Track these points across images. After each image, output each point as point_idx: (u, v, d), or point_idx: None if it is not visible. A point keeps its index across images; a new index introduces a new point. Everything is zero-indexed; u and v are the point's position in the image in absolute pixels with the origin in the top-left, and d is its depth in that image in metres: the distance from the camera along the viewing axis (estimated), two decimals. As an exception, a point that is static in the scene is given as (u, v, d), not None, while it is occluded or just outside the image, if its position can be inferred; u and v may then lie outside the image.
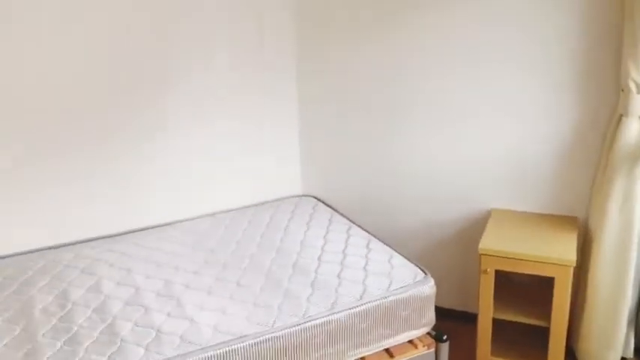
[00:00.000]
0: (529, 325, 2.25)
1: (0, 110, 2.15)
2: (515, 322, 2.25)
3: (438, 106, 2.46)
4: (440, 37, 2.38)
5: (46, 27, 2.15)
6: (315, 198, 2.81)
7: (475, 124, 2.41)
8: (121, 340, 1.74)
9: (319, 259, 2.19)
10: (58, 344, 1.73)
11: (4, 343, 1.74)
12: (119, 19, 2.27)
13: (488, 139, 2.41)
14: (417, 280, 2.02)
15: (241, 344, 1.72)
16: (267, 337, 1.75)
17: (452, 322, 2.56)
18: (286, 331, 1.78)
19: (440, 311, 2.17)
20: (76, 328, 1.80)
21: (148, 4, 2.30)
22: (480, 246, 2.17)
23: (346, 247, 2.28)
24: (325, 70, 2.66)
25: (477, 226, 2.50)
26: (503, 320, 2.26)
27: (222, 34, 2.49)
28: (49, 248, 2.34)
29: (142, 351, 1.69)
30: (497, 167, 2.42)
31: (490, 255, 2.15)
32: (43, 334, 1.77)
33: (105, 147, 2.37)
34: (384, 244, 2.29)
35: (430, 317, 2.02)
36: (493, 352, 2.28)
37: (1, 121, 2.16)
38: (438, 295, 2.05)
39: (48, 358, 1.66)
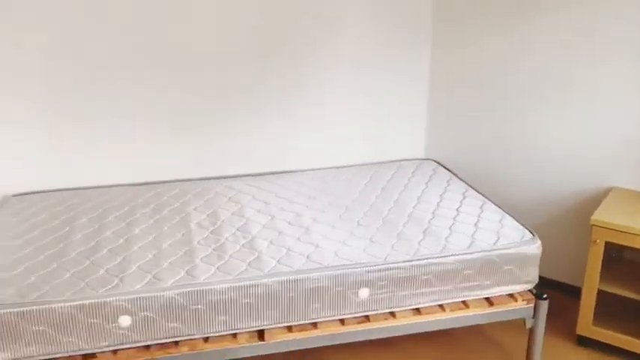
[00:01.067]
0: (635, 301, 2.29)
1: (186, 60, 2.58)
2: (621, 297, 2.30)
3: (565, 87, 2.52)
4: (574, 28, 2.43)
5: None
6: (436, 162, 2.99)
7: (606, 104, 2.45)
8: (259, 253, 2.08)
9: (433, 212, 2.40)
10: (209, 250, 2.11)
11: (169, 243, 2.16)
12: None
13: (616, 119, 2.44)
14: (524, 239, 2.16)
15: (357, 269, 1.99)
16: (380, 267, 2.00)
17: (557, 293, 2.64)
18: (398, 264, 2.02)
19: (546, 282, 2.28)
20: (223, 240, 2.18)
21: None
22: (592, 217, 2.24)
23: (460, 205, 2.45)
24: (458, 46, 2.81)
25: (594, 202, 2.55)
26: (609, 293, 2.31)
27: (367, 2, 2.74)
28: (206, 179, 2.77)
29: (274, 262, 2.02)
30: (623, 146, 2.45)
31: (601, 226, 2.22)
32: (198, 241, 2.17)
33: (258, 95, 2.74)
34: (498, 207, 2.43)
35: (533, 276, 2.15)
36: (595, 323, 2.35)
37: (187, 70, 2.60)
38: (545, 266, 2.15)
39: (201, 258, 2.05)
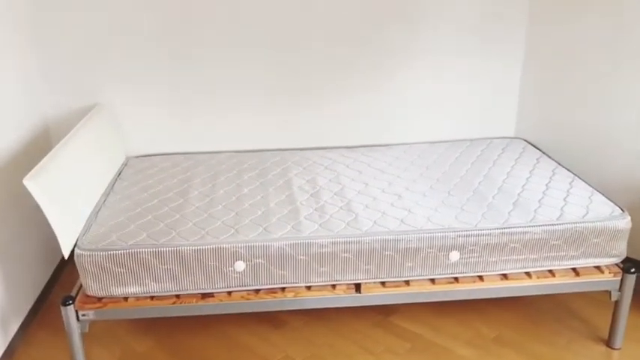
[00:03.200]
0: None
1: (289, 34, 2.79)
2: None
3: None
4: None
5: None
6: (526, 141, 3.05)
7: None
8: (356, 214, 2.26)
9: (523, 187, 2.49)
10: (311, 210, 2.32)
11: (275, 202, 2.38)
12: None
13: None
14: (613, 214, 2.22)
15: (449, 233, 2.13)
16: (470, 232, 2.14)
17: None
18: (488, 231, 2.14)
19: (636, 263, 2.31)
20: (322, 203, 2.38)
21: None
22: (686, 197, 2.26)
23: (550, 181, 2.53)
24: (556, 22, 2.85)
25: (689, 185, 2.54)
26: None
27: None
28: (303, 149, 2.98)
29: (370, 223, 2.19)
30: None
31: (695, 206, 2.23)
32: (301, 202, 2.38)
33: (356, 71, 2.91)
34: (588, 184, 2.49)
35: (621, 250, 2.21)
36: (683, 303, 2.37)
37: (291, 43, 2.81)
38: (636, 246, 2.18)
39: (305, 216, 2.26)
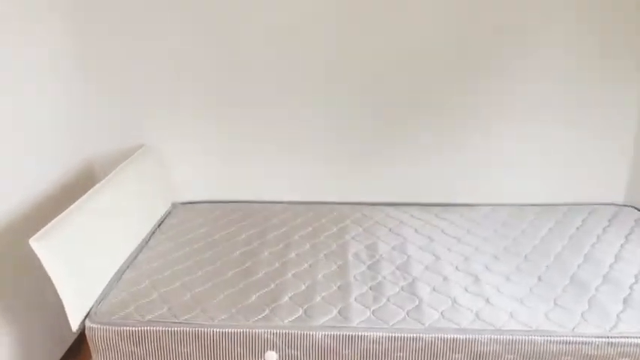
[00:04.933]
0: None
1: (361, 77, 2.45)
2: None
3: None
4: None
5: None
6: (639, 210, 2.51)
7: None
8: (420, 300, 1.85)
9: (637, 277, 1.97)
10: (365, 288, 1.93)
11: (323, 274, 2.02)
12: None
13: None
14: None
15: (536, 338, 1.67)
16: (565, 339, 1.66)
17: None
18: (588, 339, 1.66)
19: None
20: (380, 279, 1.98)
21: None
22: None
23: (673, 271, 1.99)
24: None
25: None
26: None
27: (559, 29, 2.36)
28: (366, 204, 2.60)
29: (436, 315, 1.77)
30: None
31: None
32: (354, 276, 2.00)
33: (432, 119, 2.51)
34: None
35: None
36: None
37: (360, 87, 2.46)
38: None
39: (356, 297, 1.87)
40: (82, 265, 1.79)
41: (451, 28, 2.36)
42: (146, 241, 2.26)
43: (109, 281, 1.94)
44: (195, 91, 2.50)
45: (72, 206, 1.87)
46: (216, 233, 2.32)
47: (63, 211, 1.86)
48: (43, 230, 1.68)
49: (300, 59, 2.43)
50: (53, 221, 1.74)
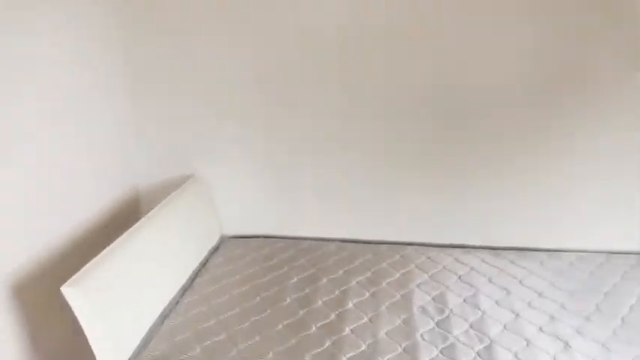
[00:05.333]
0: None
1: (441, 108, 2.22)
2: None
3: None
4: None
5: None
6: None
7: None
8: (500, 370, 1.58)
9: None
10: (435, 351, 1.67)
11: (386, 331, 1.77)
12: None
13: None
14: None
15: None
16: None
17: None
18: None
19: None
20: (452, 340, 1.72)
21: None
22: None
23: None
24: None
25: None
26: None
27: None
28: (433, 245, 2.34)
29: (523, 391, 1.50)
30: None
31: None
32: (422, 335, 1.75)
33: (506, 153, 2.24)
34: None
35: None
36: None
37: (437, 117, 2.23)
38: None
39: (425, 362, 1.62)
40: (118, 314, 1.61)
41: (540, 62, 2.10)
42: (191, 281, 2.07)
43: (149, 330, 1.75)
44: (246, 122, 2.33)
45: (112, 245, 1.71)
46: (266, 275, 2.12)
47: (108, 242, 1.71)
48: (76, 275, 1.51)
49: (361, 92, 2.22)
50: (89, 264, 1.58)
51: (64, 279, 1.50)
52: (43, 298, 1.76)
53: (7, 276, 1.64)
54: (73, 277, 1.50)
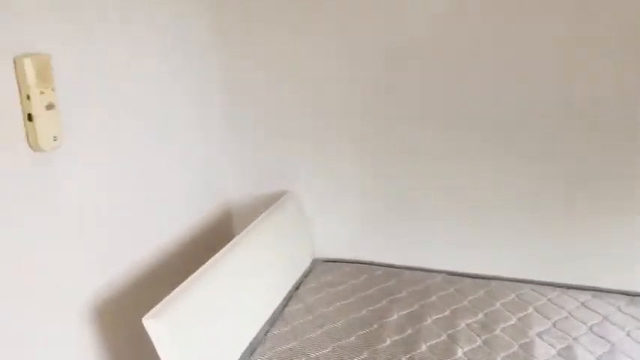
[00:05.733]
0: None
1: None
2: None
3: None
4: None
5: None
6: None
7: None
8: None
9: None
10: (566, 423, 1.39)
11: (504, 390, 1.51)
12: None
13: None
14: None
15: None
16: None
17: None
18: None
19: None
20: (586, 409, 1.43)
21: None
22: None
23: None
24: None
25: None
26: None
27: None
28: (555, 285, 2.03)
29: None
30: None
31: None
32: (547, 400, 1.47)
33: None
34: None
35: None
36: None
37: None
38: None
39: None
40: (202, 348, 1.46)
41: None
42: (281, 308, 1.90)
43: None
44: (344, 137, 2.14)
45: (198, 271, 1.57)
46: (362, 308, 1.91)
47: (197, 262, 1.59)
48: (159, 306, 1.38)
49: (481, 108, 1.97)
50: (173, 293, 1.45)
51: (148, 302, 1.39)
52: (124, 322, 1.66)
53: (89, 297, 1.55)
54: (156, 307, 1.37)
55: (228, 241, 1.76)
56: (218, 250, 1.68)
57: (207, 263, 1.63)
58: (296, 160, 2.22)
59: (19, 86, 1.28)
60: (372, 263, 2.23)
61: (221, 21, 2.12)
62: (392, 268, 2.19)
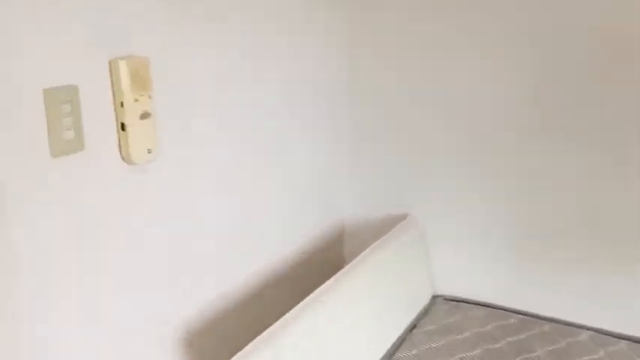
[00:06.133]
0: None
1: None
2: None
3: None
4: None
5: None
6: None
7: None
8: None
9: None
10: None
11: None
12: None
13: None
14: None
15: None
16: None
17: None
18: None
19: None
20: None
21: None
22: None
23: None
24: None
25: None
26: None
27: None
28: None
29: None
30: None
31: None
32: None
33: None
34: None
35: None
36: None
37: None
38: None
39: None
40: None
41: None
42: (389, 355, 1.65)
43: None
44: (488, 161, 1.84)
45: (302, 303, 1.37)
46: (483, 363, 1.60)
47: (304, 285, 1.44)
48: (259, 341, 1.20)
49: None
50: (274, 327, 1.26)
51: (246, 330, 1.23)
52: (217, 352, 1.51)
53: (178, 323, 1.41)
54: (257, 340, 1.19)
55: (338, 264, 1.57)
56: (325, 275, 1.50)
57: (313, 295, 1.43)
58: (422, 180, 1.96)
59: (113, 91, 1.16)
60: (503, 308, 1.89)
61: (353, 21, 1.91)
62: (527, 317, 1.84)
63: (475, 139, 1.84)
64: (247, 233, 1.61)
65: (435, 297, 1.98)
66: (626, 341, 1.69)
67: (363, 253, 1.67)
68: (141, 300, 1.28)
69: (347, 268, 1.58)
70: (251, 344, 1.20)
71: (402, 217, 1.98)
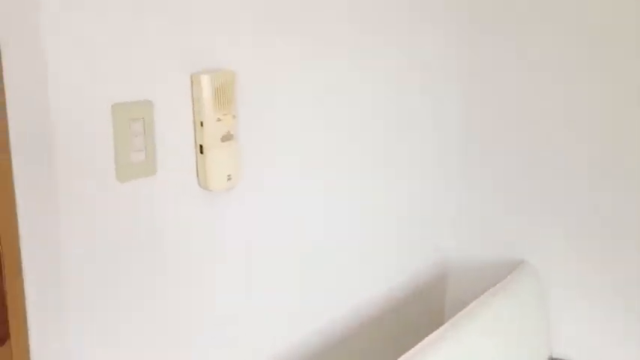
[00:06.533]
0: None
1: None
2: None
3: None
4: None
5: None
6: None
7: None
8: None
9: None
10: None
11: None
12: None
13: None
14: None
15: None
16: None
17: None
18: None
19: None
20: None
21: None
22: None
23: None
24: None
25: None
26: None
27: None
28: None
29: None
30: None
31: None
32: None
33: None
34: None
35: None
36: None
37: None
38: None
39: None
40: None
41: None
42: None
43: None
44: (615, 199, 1.54)
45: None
46: None
47: (398, 333, 1.29)
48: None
49: None
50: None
51: None
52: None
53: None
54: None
55: (438, 312, 1.34)
56: (423, 321, 1.27)
57: (413, 351, 1.22)
58: (543, 223, 1.68)
59: (193, 109, 1.02)
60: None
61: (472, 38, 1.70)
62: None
63: (618, 175, 1.54)
64: (331, 270, 1.42)
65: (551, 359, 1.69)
66: None
67: (469, 306, 1.43)
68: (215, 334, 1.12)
69: (451, 322, 1.36)
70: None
71: (517, 264, 1.71)
